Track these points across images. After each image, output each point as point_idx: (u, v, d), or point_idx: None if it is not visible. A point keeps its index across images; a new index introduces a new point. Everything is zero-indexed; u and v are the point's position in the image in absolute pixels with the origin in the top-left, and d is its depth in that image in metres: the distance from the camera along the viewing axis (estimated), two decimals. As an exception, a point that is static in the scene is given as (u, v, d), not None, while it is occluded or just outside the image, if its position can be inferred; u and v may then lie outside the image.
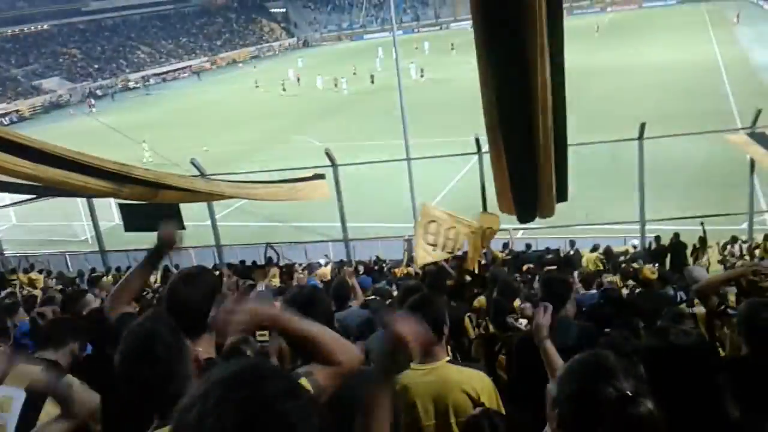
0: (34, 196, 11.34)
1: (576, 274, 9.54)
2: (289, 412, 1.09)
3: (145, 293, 9.80)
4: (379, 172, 20.16)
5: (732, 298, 5.07)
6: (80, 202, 18.89)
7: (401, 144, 18.30)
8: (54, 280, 14.99)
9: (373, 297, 7.21)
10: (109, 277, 14.24)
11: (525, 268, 11.57)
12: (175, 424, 1.12)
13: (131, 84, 70.64)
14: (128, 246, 17.05)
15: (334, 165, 15.24)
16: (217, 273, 13.23)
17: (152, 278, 11.93)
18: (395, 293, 8.03)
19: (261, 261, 15.08)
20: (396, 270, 13.55)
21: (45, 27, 78.31)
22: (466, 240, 10.08)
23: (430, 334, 2.01)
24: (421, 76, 46.25)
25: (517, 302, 5.60)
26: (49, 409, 2.74)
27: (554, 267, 11.21)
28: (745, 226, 15.16)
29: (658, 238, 13.98)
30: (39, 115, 59.37)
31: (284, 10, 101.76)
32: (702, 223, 13.41)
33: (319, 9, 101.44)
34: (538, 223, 7.61)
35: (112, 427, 2.70)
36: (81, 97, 64.90)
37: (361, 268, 14.44)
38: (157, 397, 1.94)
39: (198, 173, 14.35)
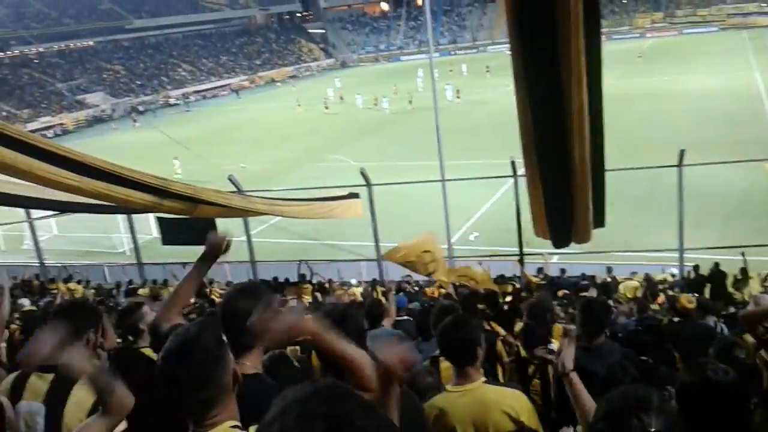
0: (63, 211, 11.59)
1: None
2: (369, 428, 1.12)
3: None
4: (414, 192, 20.19)
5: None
6: (120, 215, 19.26)
7: (436, 165, 18.29)
8: (92, 291, 15.26)
9: (406, 318, 7.18)
10: (146, 289, 14.44)
11: (561, 293, 11.41)
12: None
13: (172, 100, 72.15)
14: (165, 259, 17.31)
15: (368, 184, 15.30)
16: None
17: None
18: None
19: (294, 278, 15.15)
20: (427, 290, 13.49)
21: (90, 43, 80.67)
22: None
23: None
24: (458, 97, 46.35)
25: (558, 327, 5.51)
26: (71, 414, 2.76)
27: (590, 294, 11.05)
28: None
29: (697, 268, 13.66)
30: (82, 128, 60.92)
31: (323, 31, 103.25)
32: (743, 253, 13.08)
33: (357, 31, 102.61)
34: (573, 248, 7.52)
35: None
36: (123, 112, 66.52)
37: (393, 288, 14.41)
38: (190, 400, 1.97)
39: (235, 189, 14.53)
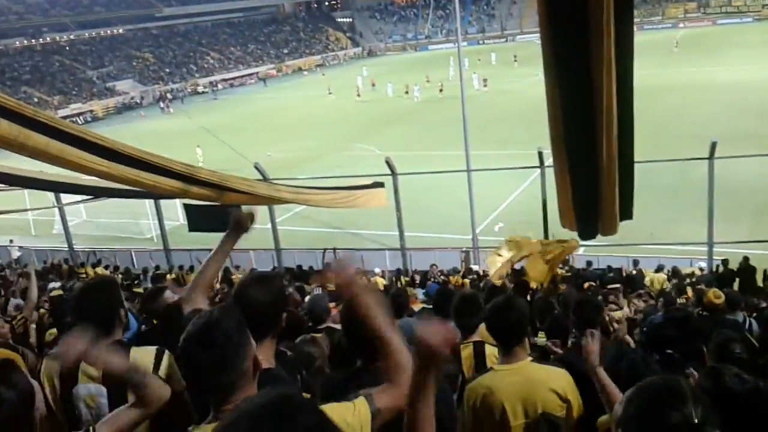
0: (93, 196, 11.76)
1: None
2: None
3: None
4: (439, 182, 20.14)
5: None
6: (148, 202, 19.52)
7: (463, 155, 18.22)
8: (120, 275, 15.50)
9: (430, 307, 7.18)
10: (172, 274, 14.64)
11: (587, 285, 11.31)
12: None
13: (200, 88, 72.71)
14: (191, 245, 17.53)
15: (393, 174, 15.29)
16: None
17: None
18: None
19: (318, 266, 15.25)
20: (451, 278, 13.48)
21: (120, 31, 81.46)
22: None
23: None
24: (485, 86, 46.09)
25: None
26: None
27: (617, 286, 10.92)
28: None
29: (725, 262, 13.46)
30: (111, 115, 61.69)
31: (351, 20, 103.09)
32: (774, 248, 12.87)
33: (385, 19, 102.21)
34: (600, 240, 7.44)
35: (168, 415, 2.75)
36: (152, 99, 67.20)
37: (417, 278, 14.43)
38: (210, 384, 1.97)
39: (261, 177, 14.63)
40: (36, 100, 58.82)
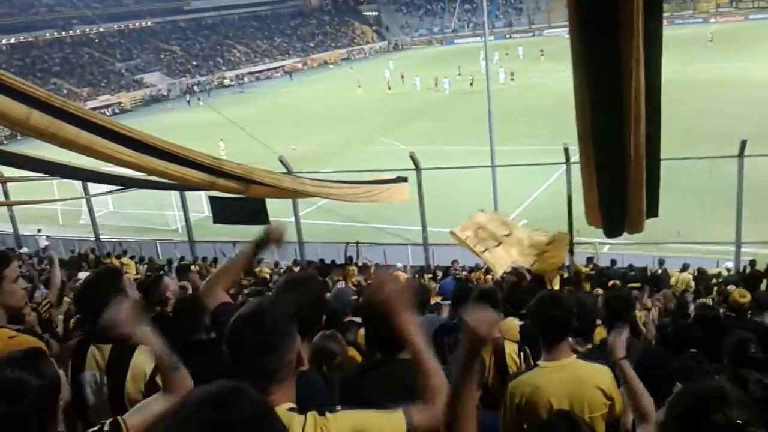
0: (124, 187, 11.92)
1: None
2: None
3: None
4: (463, 178, 20.06)
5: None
6: (173, 194, 19.71)
7: (488, 150, 18.12)
8: (144, 266, 15.70)
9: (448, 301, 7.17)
10: (196, 266, 14.78)
11: (611, 284, 11.20)
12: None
13: (226, 81, 73.21)
14: (215, 238, 17.70)
15: (417, 168, 15.27)
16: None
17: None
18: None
19: (340, 260, 15.29)
20: (473, 275, 13.45)
21: (149, 24, 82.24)
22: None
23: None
24: (512, 79, 45.90)
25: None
26: (132, 382, 2.87)
27: (639, 285, 10.82)
28: None
29: (753, 262, 13.21)
30: (139, 107, 62.40)
31: (377, 13, 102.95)
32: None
33: (411, 13, 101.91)
34: (625, 238, 7.37)
35: None
36: (179, 92, 67.83)
37: (440, 273, 14.42)
38: (252, 367, 1.98)
39: (285, 170, 14.71)
40: (65, 91, 59.68)
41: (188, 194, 17.73)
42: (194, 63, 77.59)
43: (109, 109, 58.32)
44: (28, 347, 2.54)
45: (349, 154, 29.71)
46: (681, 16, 75.68)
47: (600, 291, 10.42)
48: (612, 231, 6.33)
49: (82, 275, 11.40)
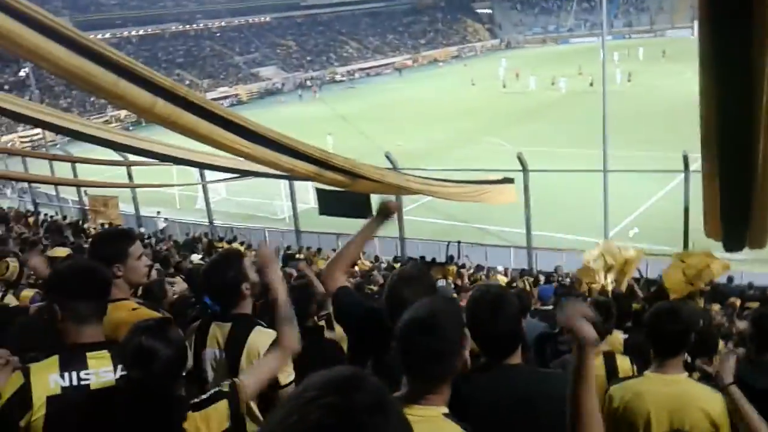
0: (237, 175, 12.38)
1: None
2: (370, 428, 1.09)
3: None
4: (572, 181, 19.48)
5: None
6: (282, 184, 20.33)
7: (599, 154, 17.50)
8: (253, 252, 16.26)
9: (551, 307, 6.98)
10: (301, 254, 15.18)
11: (729, 301, 10.53)
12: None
13: (337, 77, 74.73)
14: (320, 228, 18.10)
15: (525, 170, 14.97)
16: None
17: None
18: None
19: (441, 258, 15.24)
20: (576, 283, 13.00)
21: (267, 19, 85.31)
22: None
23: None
24: (629, 80, 44.20)
25: (721, 344, 5.11)
26: (247, 360, 2.99)
27: (757, 305, 10.11)
28: None
29: None
30: (254, 100, 64.81)
31: (490, 10, 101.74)
32: None
33: (526, 11, 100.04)
34: (744, 254, 6.89)
35: None
36: (293, 86, 69.93)
37: (542, 278, 14.06)
38: (426, 372, 2.00)
39: (391, 166, 14.81)
40: (187, 82, 62.90)
41: (296, 185, 18.24)
42: (308, 58, 79.72)
43: (227, 101, 60.88)
44: (159, 317, 2.71)
45: (455, 152, 29.55)
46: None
47: (716, 307, 9.84)
48: (732, 245, 5.91)
49: (195, 257, 12.00)
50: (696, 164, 12.80)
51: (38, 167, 20.98)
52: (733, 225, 5.24)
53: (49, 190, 26.51)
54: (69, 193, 25.28)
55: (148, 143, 6.15)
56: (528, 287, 11.33)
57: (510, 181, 13.14)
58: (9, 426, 2.41)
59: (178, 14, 77.03)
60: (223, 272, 3.14)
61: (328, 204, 15.05)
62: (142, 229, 20.21)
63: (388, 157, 15.40)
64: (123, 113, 48.55)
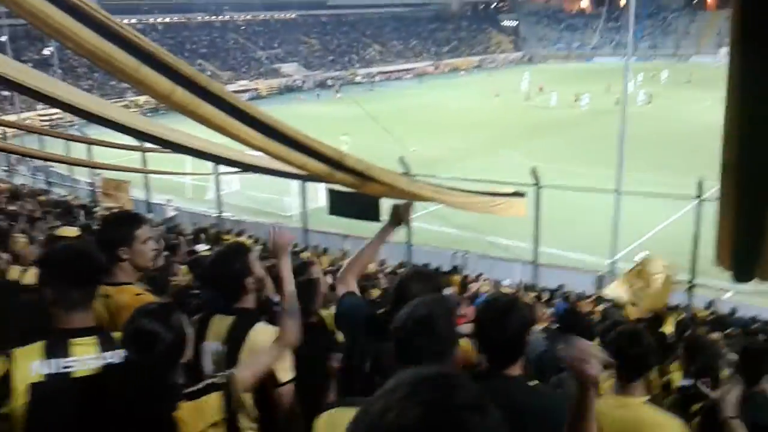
0: (243, 170, 12.40)
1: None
2: (471, 426, 1.08)
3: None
4: (584, 200, 19.40)
5: None
6: (294, 181, 20.34)
7: (612, 174, 17.42)
8: (260, 247, 16.27)
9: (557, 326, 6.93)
10: (307, 252, 15.19)
11: (729, 332, 10.46)
12: (360, 411, 1.14)
13: (358, 78, 74.83)
14: (328, 228, 18.10)
15: (538, 185, 14.92)
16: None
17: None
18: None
19: (446, 267, 15.20)
20: (580, 303, 12.94)
21: (292, 16, 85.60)
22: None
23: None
24: (649, 102, 44.07)
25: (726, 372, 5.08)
26: (247, 353, 2.98)
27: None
28: None
29: None
30: (274, 95, 64.99)
31: (516, 23, 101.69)
32: None
33: (552, 26, 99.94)
34: (752, 286, 6.82)
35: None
36: (313, 84, 70.10)
37: (545, 295, 14.00)
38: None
39: (404, 171, 14.81)
40: (209, 73, 63.15)
41: (308, 184, 18.25)
42: (330, 58, 79.92)
43: (247, 94, 61.05)
44: (161, 302, 2.71)
45: (469, 161, 29.51)
46: None
47: (716, 336, 9.75)
48: (741, 276, 5.86)
49: (200, 247, 12.02)
50: (709, 192, 12.76)
51: (54, 146, 21.11)
52: (744, 255, 5.19)
53: (63, 170, 26.68)
54: (82, 175, 25.43)
55: (166, 131, 6.17)
56: (532, 302, 11.27)
57: (521, 195, 13.08)
58: None
59: (206, 4, 77.35)
60: (230, 264, 3.14)
61: (338, 204, 15.03)
62: (151, 215, 20.29)
63: (402, 162, 15.39)
64: (142, 99, 48.81)
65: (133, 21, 63.99)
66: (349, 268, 3.40)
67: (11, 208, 13.93)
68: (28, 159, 26.01)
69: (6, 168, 28.70)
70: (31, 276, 5.11)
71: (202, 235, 15.75)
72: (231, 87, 59.20)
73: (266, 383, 2.80)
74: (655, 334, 6.72)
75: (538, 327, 5.98)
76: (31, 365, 2.42)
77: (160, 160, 16.31)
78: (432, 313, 2.07)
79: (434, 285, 2.75)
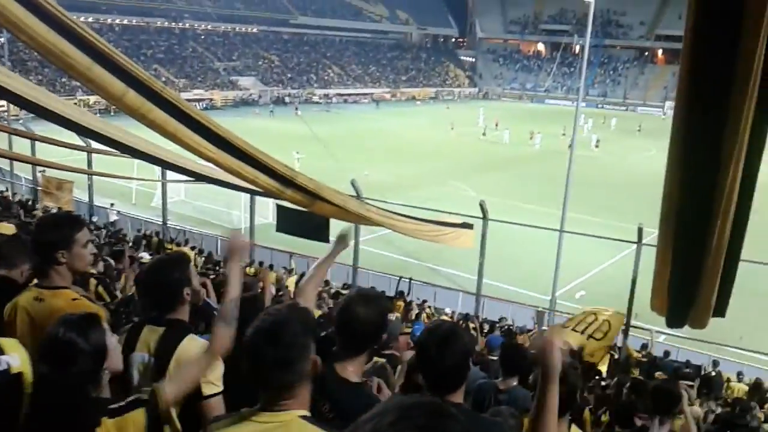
0: (193, 179, 12.24)
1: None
2: None
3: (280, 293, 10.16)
4: (528, 236, 19.76)
5: None
6: (243, 195, 20.12)
7: (558, 213, 17.81)
8: (203, 258, 16.00)
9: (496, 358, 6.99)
10: (251, 268, 14.98)
11: (657, 375, 10.74)
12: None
13: (314, 98, 74.94)
14: (274, 245, 17.93)
15: (485, 218, 15.13)
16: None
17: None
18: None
19: (390, 292, 15.19)
20: (520, 337, 13.10)
21: (254, 30, 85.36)
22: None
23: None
24: (596, 146, 45.45)
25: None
26: (175, 365, 2.88)
27: (690, 383, 10.32)
28: None
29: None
30: (228, 107, 64.46)
31: (474, 59, 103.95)
32: None
33: (507, 65, 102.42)
34: (684, 332, 7.05)
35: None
36: (269, 99, 69.85)
37: (486, 326, 14.14)
38: (272, 380, 2.04)
39: (354, 194, 14.81)
40: (163, 79, 62.25)
41: (258, 198, 18.07)
42: (289, 75, 79.85)
43: (201, 104, 60.37)
44: (85, 312, 2.61)
45: (420, 190, 29.73)
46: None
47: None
48: (674, 321, 6.04)
49: (146, 255, 11.75)
50: (649, 238, 13.15)
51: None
52: (678, 302, 5.36)
53: (4, 164, 25.75)
54: (23, 171, 24.59)
55: (115, 132, 6.04)
56: (473, 332, 11.36)
57: (469, 226, 13.25)
58: None
59: (166, 10, 76.50)
60: (168, 272, 3.04)
61: (287, 222, 14.91)
62: (94, 219, 19.73)
63: (353, 185, 15.40)
64: (93, 99, 47.70)
65: (90, 19, 62.64)
66: (303, 290, 3.44)
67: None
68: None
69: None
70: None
71: (144, 242, 15.39)
72: (185, 95, 58.44)
73: (191, 396, 2.72)
74: (591, 374, 6.87)
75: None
76: None
77: (107, 162, 15.91)
78: (277, 322, 2.05)
79: (380, 307, 2.71)
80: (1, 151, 12.77)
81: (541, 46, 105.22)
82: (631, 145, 50.55)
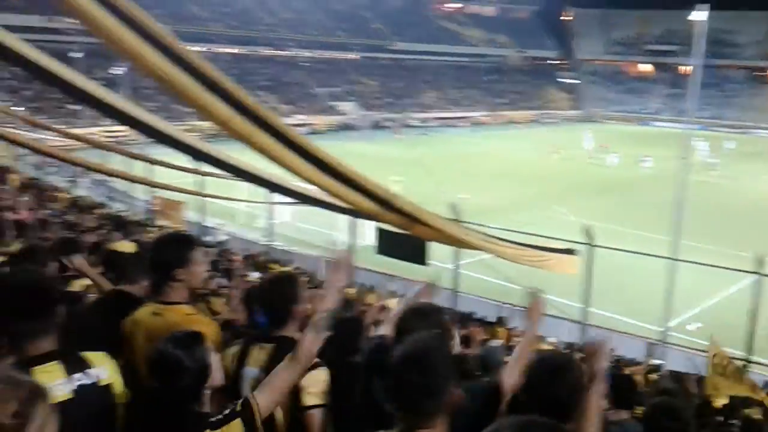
0: (298, 201, 12.52)
1: None
2: None
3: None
4: (636, 264, 18.93)
5: None
6: (344, 217, 20.41)
7: (667, 240, 16.93)
8: (306, 279, 16.31)
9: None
10: (353, 290, 15.14)
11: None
12: None
13: (413, 122, 75.56)
14: (374, 267, 18.05)
15: (591, 244, 14.61)
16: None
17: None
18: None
19: (490, 318, 14.92)
20: (626, 368, 12.45)
21: (354, 56, 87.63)
22: None
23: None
24: (712, 170, 43.42)
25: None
26: None
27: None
28: None
29: None
30: (330, 132, 66.05)
31: (575, 81, 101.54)
32: None
33: (610, 87, 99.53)
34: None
35: None
36: (368, 124, 71.16)
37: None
38: (417, 407, 2.04)
39: (453, 217, 14.70)
40: (268, 105, 64.62)
41: (357, 220, 18.28)
42: (387, 99, 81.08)
43: (304, 129, 62.13)
44: (189, 331, 2.69)
45: (520, 214, 29.13)
46: None
47: None
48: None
49: (254, 274, 12.14)
50: (770, 268, 12.27)
51: (116, 163, 21.75)
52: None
53: (123, 186, 27.46)
54: (140, 192, 26.10)
55: (226, 155, 6.27)
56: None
57: (573, 252, 12.84)
58: None
59: (271, 39, 79.82)
60: (284, 289, 3.19)
61: (386, 244, 15.03)
62: (209, 238, 20.60)
63: (452, 208, 15.31)
64: (205, 125, 50.14)
65: (202, 49, 66.16)
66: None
67: (70, 218, 14.34)
68: (90, 172, 26.88)
69: (71, 179, 29.81)
70: (78, 286, 5.21)
71: (251, 261, 15.90)
72: (289, 121, 60.41)
73: (291, 406, 2.79)
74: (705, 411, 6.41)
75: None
76: None
77: (216, 184, 16.61)
78: (426, 349, 2.07)
79: (434, 321, 2.73)
80: (120, 173, 13.61)
81: (646, 67, 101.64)
82: (748, 168, 47.67)
